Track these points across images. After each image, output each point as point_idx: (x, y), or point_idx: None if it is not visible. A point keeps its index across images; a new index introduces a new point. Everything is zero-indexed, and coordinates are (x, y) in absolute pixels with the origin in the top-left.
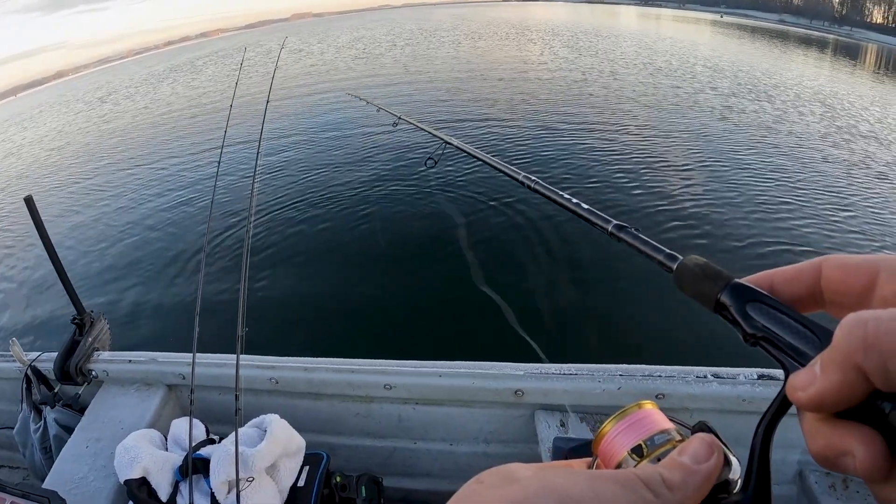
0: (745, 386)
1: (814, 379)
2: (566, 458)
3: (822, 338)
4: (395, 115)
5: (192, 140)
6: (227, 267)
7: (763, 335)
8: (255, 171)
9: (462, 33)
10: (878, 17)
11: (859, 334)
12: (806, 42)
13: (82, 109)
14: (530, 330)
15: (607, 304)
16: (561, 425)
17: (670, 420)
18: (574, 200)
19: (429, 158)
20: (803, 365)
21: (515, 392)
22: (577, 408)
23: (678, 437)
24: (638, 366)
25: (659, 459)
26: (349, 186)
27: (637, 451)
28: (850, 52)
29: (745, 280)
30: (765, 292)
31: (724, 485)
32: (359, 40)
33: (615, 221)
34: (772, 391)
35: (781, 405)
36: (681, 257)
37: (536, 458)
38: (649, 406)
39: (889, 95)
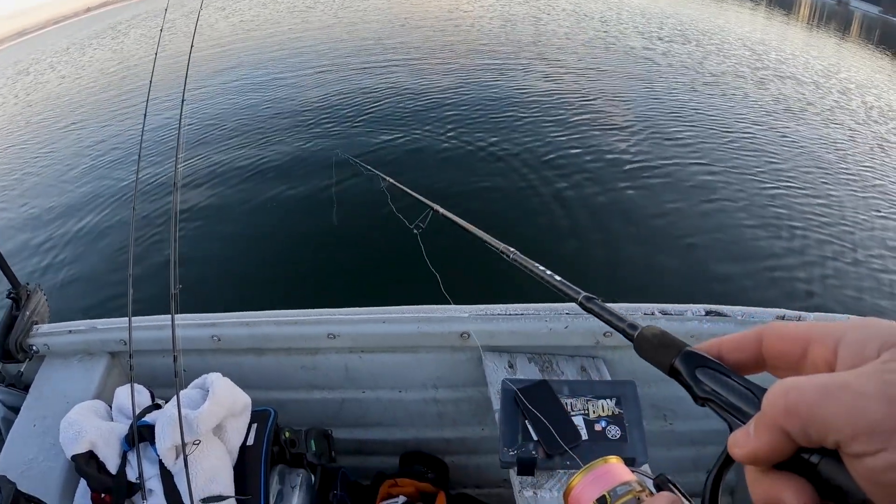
0: (694, 322)
1: (748, 438)
2: (515, 400)
3: (761, 398)
4: (382, 176)
5: (116, 102)
6: (158, 224)
7: (710, 397)
8: (181, 122)
9: None
10: None
11: (781, 403)
12: None
13: (5, 84)
14: (474, 271)
15: (551, 241)
16: (509, 366)
17: (632, 472)
18: (548, 272)
19: (416, 225)
20: (744, 423)
21: (461, 335)
22: (525, 348)
23: (638, 488)
24: None
25: None
26: (281, 133)
27: (601, 502)
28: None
29: (696, 348)
30: (712, 358)
31: None
32: None
33: (584, 293)
34: (719, 327)
35: (726, 460)
36: (641, 326)
37: (486, 401)
38: (613, 461)
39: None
